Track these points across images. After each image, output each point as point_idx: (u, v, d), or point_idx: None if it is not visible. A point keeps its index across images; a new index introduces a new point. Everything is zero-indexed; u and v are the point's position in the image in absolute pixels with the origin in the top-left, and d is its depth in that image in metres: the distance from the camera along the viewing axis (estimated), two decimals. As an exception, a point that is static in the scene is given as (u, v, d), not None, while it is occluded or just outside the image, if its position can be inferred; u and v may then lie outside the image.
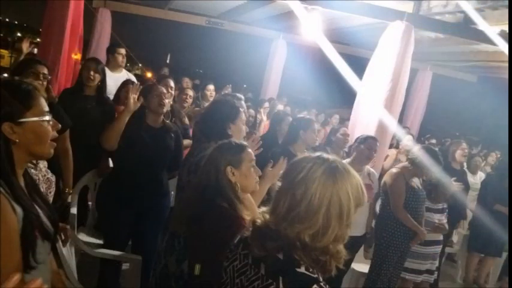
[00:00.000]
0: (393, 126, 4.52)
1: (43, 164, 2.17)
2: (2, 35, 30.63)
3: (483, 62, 6.84)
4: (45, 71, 2.86)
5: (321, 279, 1.16)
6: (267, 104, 6.46)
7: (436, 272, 3.94)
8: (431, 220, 3.70)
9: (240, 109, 2.63)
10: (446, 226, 3.78)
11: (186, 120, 4.06)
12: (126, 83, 3.90)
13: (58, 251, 2.19)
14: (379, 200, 3.74)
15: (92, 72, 3.39)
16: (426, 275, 3.75)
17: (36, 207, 1.28)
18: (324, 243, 1.16)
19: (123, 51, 4.58)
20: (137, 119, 2.84)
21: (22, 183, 1.29)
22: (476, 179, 5.30)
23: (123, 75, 4.56)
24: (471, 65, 7.55)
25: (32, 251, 1.20)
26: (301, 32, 6.40)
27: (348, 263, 3.41)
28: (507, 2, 4.37)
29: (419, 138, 8.13)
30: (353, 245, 3.35)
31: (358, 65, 5.02)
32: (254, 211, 1.74)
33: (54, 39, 4.76)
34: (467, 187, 4.55)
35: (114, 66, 4.51)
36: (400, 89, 4.48)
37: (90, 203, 3.44)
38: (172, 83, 4.15)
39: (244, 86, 13.24)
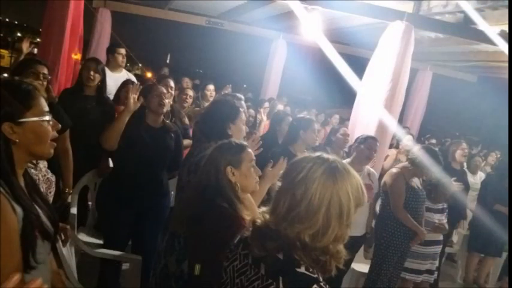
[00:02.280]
0: (393, 126, 4.51)
1: (43, 164, 2.17)
2: (2, 35, 30.61)
3: (483, 62, 6.84)
4: (45, 71, 2.86)
5: (321, 279, 1.16)
6: (267, 104, 6.46)
7: (436, 272, 3.94)
8: (431, 220, 3.69)
9: (240, 109, 2.62)
10: (446, 226, 3.78)
11: (186, 120, 4.06)
12: (126, 83, 3.90)
13: (58, 251, 2.19)
14: (379, 200, 3.74)
15: (92, 72, 3.39)
16: (426, 275, 3.75)
17: (36, 207, 1.28)
18: (324, 243, 1.16)
19: (123, 51, 4.58)
20: (137, 119, 2.84)
21: (22, 183, 1.28)
22: (476, 179, 5.30)
23: (123, 75, 4.56)
24: (471, 65, 7.55)
25: (32, 251, 1.20)
26: (301, 32, 6.41)
27: (348, 263, 3.41)
28: (507, 2, 4.37)
29: (419, 138, 8.12)
30: (353, 245, 3.35)
31: (358, 65, 5.01)
32: (254, 211, 1.74)
33: (54, 39, 4.76)
34: (467, 187, 4.55)
35: (114, 66, 4.51)
36: (400, 89, 4.48)
37: (90, 203, 3.44)
38: (172, 83, 4.15)
39: (244, 86, 13.24)
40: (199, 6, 7.39)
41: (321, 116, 8.72)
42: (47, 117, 1.30)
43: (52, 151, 1.35)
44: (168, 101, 3.03)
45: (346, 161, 2.85)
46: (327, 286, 1.15)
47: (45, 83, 2.83)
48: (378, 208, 3.79)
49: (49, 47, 4.78)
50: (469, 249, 4.94)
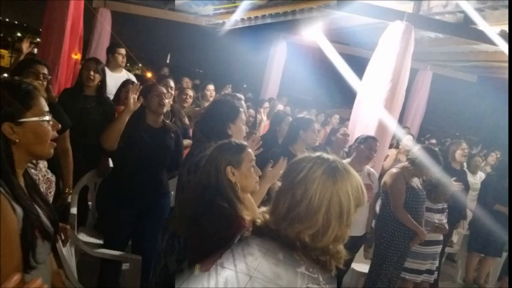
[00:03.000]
0: (393, 126, 4.51)
1: (43, 164, 2.17)
2: (2, 35, 30.63)
3: (483, 62, 6.85)
4: (45, 71, 2.87)
5: (321, 279, 1.16)
6: (267, 104, 6.46)
7: (436, 272, 3.94)
8: (431, 220, 3.70)
9: (240, 109, 2.63)
10: (446, 226, 3.78)
11: (186, 120, 4.06)
12: (126, 83, 3.90)
13: (58, 251, 2.19)
14: (379, 200, 3.74)
15: (92, 72, 3.39)
16: (426, 275, 3.75)
17: (36, 207, 1.28)
18: (324, 243, 1.16)
19: (123, 51, 4.57)
20: (137, 119, 2.84)
21: (22, 183, 1.29)
22: (476, 179, 5.30)
23: (123, 75, 4.56)
24: (471, 65, 7.55)
25: (32, 251, 1.20)
26: (301, 32, 6.41)
27: (348, 263, 3.42)
28: (507, 2, 4.37)
29: (419, 138, 8.13)
30: (353, 245, 3.36)
31: (358, 65, 5.02)
32: (254, 211, 1.74)
33: (54, 39, 4.76)
34: (467, 187, 4.55)
35: (114, 66, 4.51)
36: (400, 89, 4.47)
37: (90, 203, 3.44)
38: (172, 83, 4.15)
39: (244, 86, 13.25)
40: (199, 6, 7.39)
41: (321, 116, 8.70)
42: (47, 117, 1.30)
43: (52, 151, 1.35)
44: (168, 101, 3.03)
45: (346, 161, 2.85)
46: (327, 286, 1.15)
47: (45, 83, 2.83)
48: (378, 208, 3.79)
49: (49, 47, 4.78)
50: (469, 249, 4.94)
